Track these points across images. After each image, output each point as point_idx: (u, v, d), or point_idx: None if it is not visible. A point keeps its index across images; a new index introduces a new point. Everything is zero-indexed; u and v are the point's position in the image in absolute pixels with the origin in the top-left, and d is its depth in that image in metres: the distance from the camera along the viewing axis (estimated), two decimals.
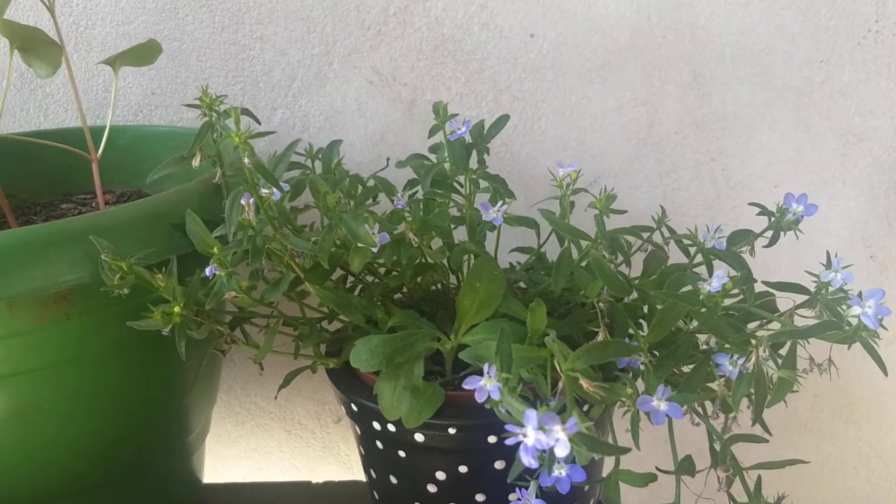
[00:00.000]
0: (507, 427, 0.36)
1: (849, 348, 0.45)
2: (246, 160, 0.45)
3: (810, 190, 0.83)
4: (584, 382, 0.41)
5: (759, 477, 0.52)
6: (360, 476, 0.66)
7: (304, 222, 0.68)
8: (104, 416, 0.58)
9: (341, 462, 0.95)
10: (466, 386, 0.41)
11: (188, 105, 0.51)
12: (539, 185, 0.81)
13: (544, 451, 0.36)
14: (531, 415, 0.35)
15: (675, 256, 0.60)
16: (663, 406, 0.44)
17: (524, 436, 0.36)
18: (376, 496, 0.63)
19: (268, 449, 0.95)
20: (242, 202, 0.48)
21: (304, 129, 0.81)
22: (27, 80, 0.81)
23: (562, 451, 0.35)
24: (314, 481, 0.80)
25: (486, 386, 0.41)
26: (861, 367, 0.89)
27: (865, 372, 0.89)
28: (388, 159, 0.71)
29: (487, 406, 0.43)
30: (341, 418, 0.92)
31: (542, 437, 0.35)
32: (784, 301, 0.54)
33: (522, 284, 0.64)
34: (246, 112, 0.53)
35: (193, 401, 0.65)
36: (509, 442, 0.36)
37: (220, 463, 0.95)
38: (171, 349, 0.52)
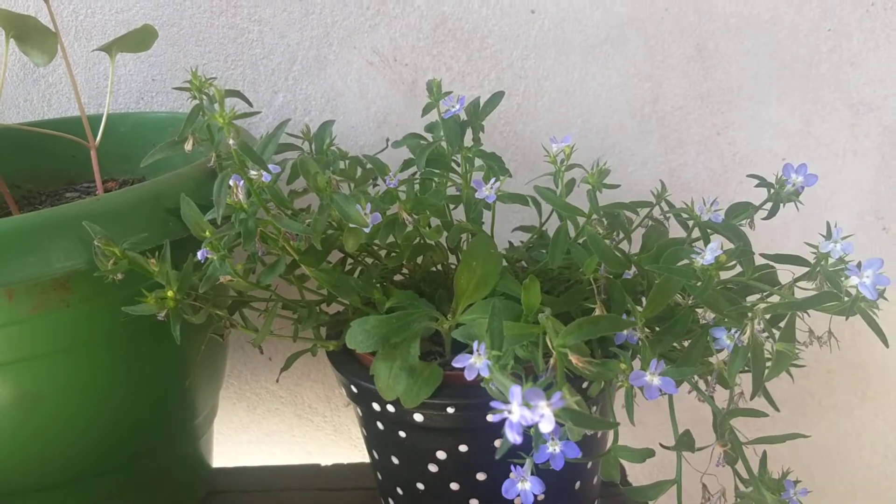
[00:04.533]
0: (493, 404, 0.36)
1: (847, 319, 0.44)
2: (231, 141, 0.45)
3: (820, 162, 0.81)
4: (573, 358, 0.40)
5: (765, 452, 0.51)
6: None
7: (304, 206, 0.68)
8: (105, 402, 0.58)
9: (353, 445, 0.95)
10: (456, 364, 0.41)
11: (178, 88, 0.51)
12: (544, 164, 0.80)
13: (530, 427, 0.35)
14: (516, 391, 0.35)
15: (677, 232, 0.59)
16: (656, 381, 0.44)
17: (509, 412, 0.35)
18: (379, 477, 0.63)
19: (279, 433, 0.95)
20: (231, 183, 0.47)
21: (306, 112, 0.80)
22: (30, 70, 0.81)
23: (546, 426, 0.34)
24: (323, 464, 0.80)
25: (475, 363, 0.41)
26: (876, 342, 0.87)
27: (880, 347, 0.87)
28: (387, 140, 0.71)
29: (482, 385, 0.42)
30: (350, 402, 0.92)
31: (526, 412, 0.35)
32: (786, 275, 0.53)
33: (524, 264, 0.63)
34: (236, 94, 0.53)
35: (197, 385, 0.65)
36: (495, 419, 0.35)
37: (233, 448, 0.95)
38: (170, 335, 0.52)
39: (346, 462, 0.80)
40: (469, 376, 0.41)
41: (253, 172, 0.48)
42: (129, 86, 0.81)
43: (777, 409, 0.52)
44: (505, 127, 0.81)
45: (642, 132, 0.81)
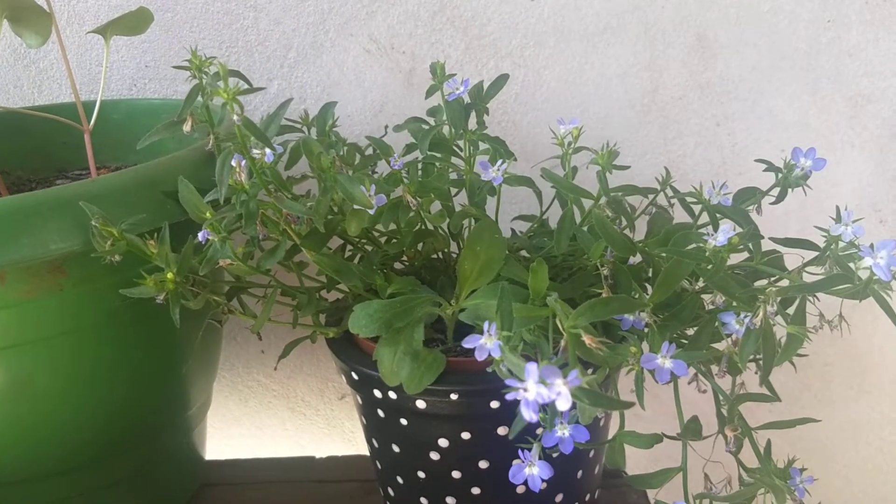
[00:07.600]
0: (508, 382, 0.35)
1: (860, 301, 0.44)
2: (235, 117, 0.44)
3: (818, 154, 0.81)
4: (586, 338, 0.39)
5: (769, 441, 0.51)
6: (365, 451, 0.65)
7: (301, 193, 0.67)
8: (100, 389, 0.57)
9: (346, 438, 0.94)
10: (466, 344, 0.40)
11: (177, 67, 0.49)
12: (542, 153, 0.79)
13: (545, 405, 0.35)
14: (532, 368, 0.34)
15: (680, 220, 0.59)
16: (668, 363, 0.43)
17: (525, 390, 0.34)
18: (379, 466, 0.62)
19: (272, 427, 0.94)
20: (233, 163, 0.46)
21: (302, 100, 0.79)
22: (20, 55, 0.79)
23: (563, 404, 0.33)
24: (318, 456, 0.79)
25: (486, 344, 0.40)
26: (873, 335, 0.87)
27: (877, 340, 0.88)
28: (386, 126, 0.70)
29: (490, 369, 0.42)
30: (345, 395, 0.91)
31: (542, 390, 0.34)
32: (792, 260, 0.52)
33: (525, 253, 0.63)
34: (237, 74, 0.52)
35: (192, 374, 0.64)
36: (510, 397, 0.35)
37: (225, 442, 0.94)
38: (167, 320, 0.51)
39: (340, 454, 0.79)
40: (480, 357, 0.40)
41: (256, 151, 0.47)
42: (122, 72, 0.79)
43: (778, 399, 0.51)
44: (503, 116, 0.80)
45: (641, 122, 0.80)
